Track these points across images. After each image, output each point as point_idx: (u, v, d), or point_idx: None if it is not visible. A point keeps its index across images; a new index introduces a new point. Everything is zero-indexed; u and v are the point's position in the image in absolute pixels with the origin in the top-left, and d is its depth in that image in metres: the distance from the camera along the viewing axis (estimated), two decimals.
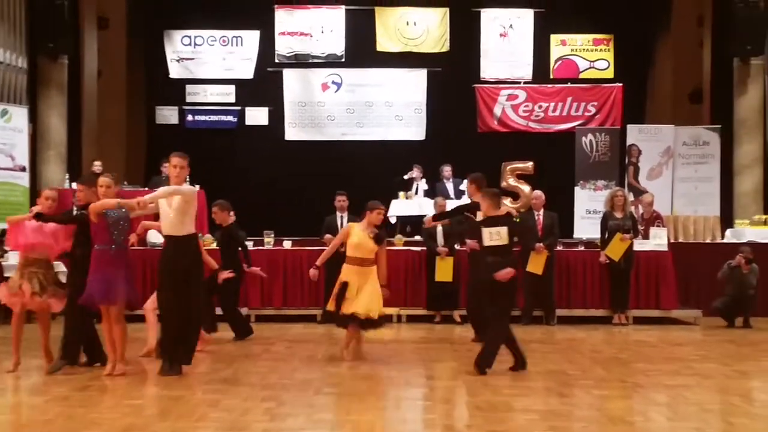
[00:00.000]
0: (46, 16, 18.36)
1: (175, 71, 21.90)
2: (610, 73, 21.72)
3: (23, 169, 17.15)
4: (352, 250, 10.29)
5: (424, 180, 18.01)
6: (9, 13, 18.08)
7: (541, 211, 14.47)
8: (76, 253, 9.39)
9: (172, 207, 9.10)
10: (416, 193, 17.83)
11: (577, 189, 18.41)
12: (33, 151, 18.11)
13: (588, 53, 21.74)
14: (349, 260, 10.31)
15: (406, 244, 15.56)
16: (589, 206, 18.19)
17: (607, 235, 14.28)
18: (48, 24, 18.33)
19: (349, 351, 10.40)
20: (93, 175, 10.02)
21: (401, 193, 17.77)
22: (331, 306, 10.31)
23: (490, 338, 9.55)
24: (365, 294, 10.16)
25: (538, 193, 14.80)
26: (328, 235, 14.33)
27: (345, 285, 10.20)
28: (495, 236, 9.39)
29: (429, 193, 17.48)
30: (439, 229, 14.37)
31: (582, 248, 15.39)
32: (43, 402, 7.91)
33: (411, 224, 17.18)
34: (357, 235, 10.29)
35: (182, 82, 21.94)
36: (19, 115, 17.32)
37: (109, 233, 8.97)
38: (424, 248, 14.61)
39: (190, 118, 21.84)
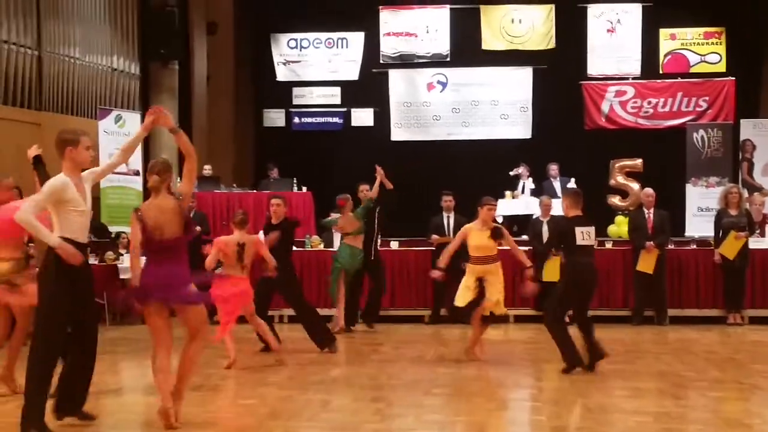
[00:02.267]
0: (158, 23, 18.87)
1: (281, 74, 22.18)
2: (722, 67, 21.19)
3: (137, 173, 17.59)
4: (473, 251, 10.26)
5: (530, 179, 17.86)
6: (122, 22, 18.61)
7: (652, 210, 14.22)
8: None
9: None
10: (522, 192, 17.69)
11: (688, 186, 18.01)
12: (146, 156, 18.58)
13: (699, 47, 21.26)
14: (473, 260, 10.28)
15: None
16: (701, 203, 17.77)
17: (721, 233, 13.94)
18: (159, 31, 18.83)
19: (477, 349, 10.37)
20: None
21: (508, 192, 17.66)
22: (462, 301, 10.22)
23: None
24: (494, 291, 10.12)
25: (649, 190, 14.54)
26: (434, 236, 14.36)
27: (473, 282, 10.16)
28: (586, 236, 9.34)
29: (535, 192, 17.32)
30: (545, 228, 14.26)
31: (694, 246, 15.08)
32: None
33: (518, 223, 17.05)
34: (475, 237, 10.24)
35: (289, 85, 22.21)
36: (133, 120, 17.77)
37: None
38: (531, 248, 14.49)
39: (296, 120, 22.09)
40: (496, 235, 10.23)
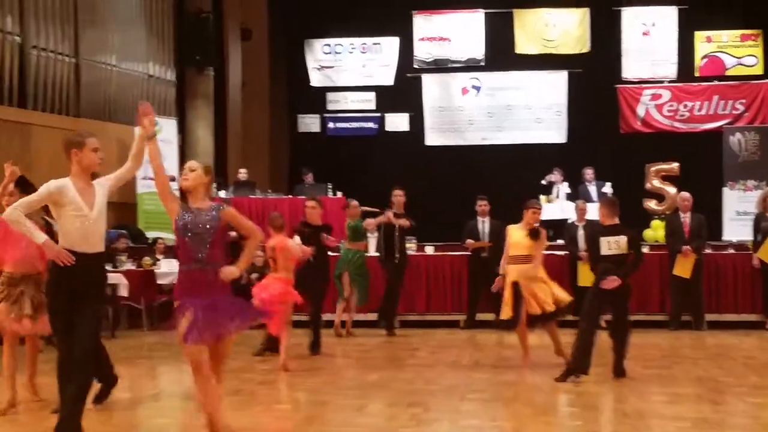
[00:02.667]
0: (193, 30, 19.02)
1: (316, 79, 22.26)
2: (759, 69, 20.99)
3: (173, 180, 17.62)
4: (512, 250, 10.26)
5: (565, 183, 17.77)
6: (158, 29, 18.76)
7: (688, 214, 14.12)
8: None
9: None
10: (558, 196, 17.61)
11: (725, 190, 17.87)
12: (182, 162, 18.71)
13: (735, 49, 21.08)
14: (512, 260, 10.27)
15: (548, 248, 15.37)
16: (738, 207, 17.62)
17: (759, 237, 13.81)
18: (194, 37, 18.98)
19: (556, 352, 10.27)
20: None
21: (543, 197, 17.56)
22: (507, 313, 10.15)
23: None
24: (539, 291, 10.07)
25: (685, 194, 14.45)
26: (469, 240, 14.35)
27: (515, 286, 10.14)
28: (614, 245, 9.25)
29: (571, 196, 17.24)
30: (581, 233, 14.21)
31: (732, 251, 14.95)
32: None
33: (553, 228, 16.98)
34: (514, 235, 10.30)
35: (323, 90, 22.28)
36: (169, 127, 17.90)
37: None
38: (567, 252, 14.44)
39: (331, 125, 22.15)
40: (533, 234, 10.22)
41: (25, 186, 7.90)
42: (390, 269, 13.66)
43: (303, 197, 16.61)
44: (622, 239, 9.33)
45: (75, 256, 6.24)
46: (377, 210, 14.21)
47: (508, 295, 10.13)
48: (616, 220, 9.52)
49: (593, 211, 15.82)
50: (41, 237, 6.35)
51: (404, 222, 13.60)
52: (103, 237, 6.63)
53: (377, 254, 14.08)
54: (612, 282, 9.16)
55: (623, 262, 9.37)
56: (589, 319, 9.35)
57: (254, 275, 12.94)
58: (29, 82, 15.31)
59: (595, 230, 9.78)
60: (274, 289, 9.98)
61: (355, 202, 14.24)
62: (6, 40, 14.76)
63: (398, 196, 13.78)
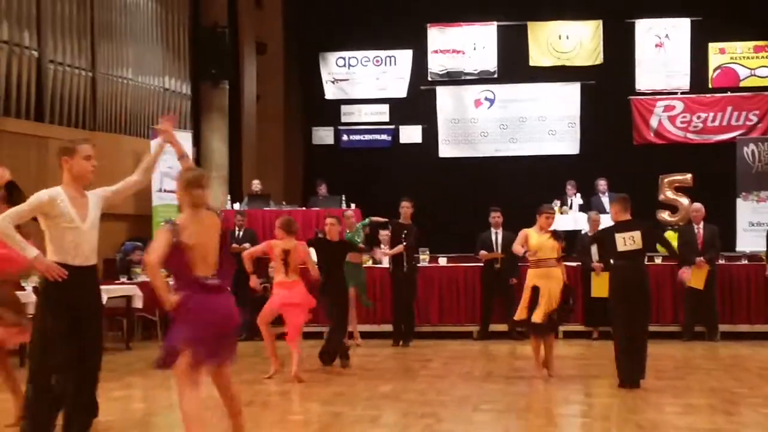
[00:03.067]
0: (208, 43, 19.14)
1: (330, 92, 22.35)
2: None
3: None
4: (533, 254, 10.23)
5: (578, 194, 17.79)
6: (173, 42, 18.90)
7: (701, 224, 14.13)
8: None
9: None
10: (571, 207, 17.63)
11: (739, 201, 17.86)
12: None
13: (749, 60, 21.08)
14: (533, 264, 10.27)
15: (561, 259, 15.39)
16: (752, 218, 17.61)
17: None
18: (210, 51, 19.10)
19: (544, 364, 10.26)
20: None
21: (556, 208, 17.62)
22: (522, 314, 10.18)
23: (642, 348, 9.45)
24: (554, 297, 10.08)
25: (698, 205, 14.46)
26: (483, 252, 14.40)
27: (535, 290, 10.15)
28: (629, 241, 9.31)
29: (584, 208, 17.26)
30: (594, 245, 14.23)
31: (745, 261, 14.93)
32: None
33: (566, 239, 16.99)
34: (534, 237, 10.25)
35: (337, 103, 22.36)
36: (184, 139, 17.88)
37: None
38: (580, 263, 14.46)
39: (345, 138, 22.23)
40: (557, 236, 10.22)
41: (12, 191, 7.48)
42: (399, 280, 13.71)
43: (317, 209, 16.74)
44: (637, 234, 9.38)
45: (68, 270, 5.94)
46: (385, 220, 14.31)
47: (527, 297, 10.15)
48: (629, 216, 9.55)
49: (606, 223, 15.87)
50: (32, 252, 5.98)
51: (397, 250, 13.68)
52: (96, 249, 6.26)
53: (387, 266, 14.16)
54: (685, 272, 9.90)
55: (638, 257, 9.42)
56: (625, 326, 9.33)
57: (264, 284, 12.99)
58: (46, 96, 15.44)
59: (607, 230, 9.78)
60: (295, 294, 10.08)
61: (350, 212, 14.36)
62: (23, 54, 14.90)
63: (405, 207, 13.83)
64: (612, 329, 9.69)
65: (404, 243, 13.55)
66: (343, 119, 22.32)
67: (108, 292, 13.08)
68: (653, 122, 20.98)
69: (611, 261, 9.79)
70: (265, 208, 17.26)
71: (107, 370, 10.89)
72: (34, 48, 15.18)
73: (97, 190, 6.37)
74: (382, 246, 14.32)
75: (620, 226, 9.49)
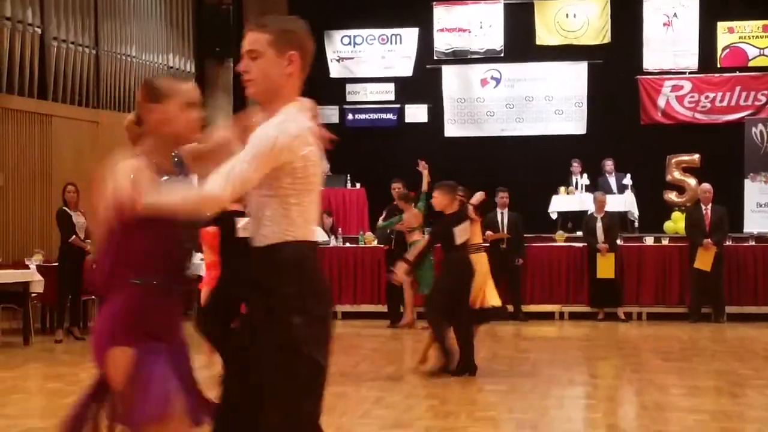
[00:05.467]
0: (213, 21, 19.03)
1: (335, 71, 22.23)
2: None
3: None
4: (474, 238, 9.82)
5: (585, 175, 17.71)
6: (178, 20, 18.80)
7: (709, 206, 14.06)
8: None
9: None
10: (576, 188, 17.56)
11: (746, 182, 17.74)
12: None
13: (758, 40, 20.89)
14: (476, 249, 9.83)
15: (567, 240, 15.37)
16: (760, 199, 17.50)
17: None
18: (214, 29, 19.01)
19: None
20: None
21: (562, 189, 17.55)
22: (498, 300, 9.82)
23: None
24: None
25: (707, 186, 14.38)
26: (489, 232, 14.33)
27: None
28: (464, 233, 9.12)
29: (590, 188, 17.19)
30: (600, 224, 14.17)
31: (753, 243, 14.86)
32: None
33: (572, 220, 16.95)
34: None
35: (342, 82, 22.24)
36: None
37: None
38: (586, 244, 14.40)
39: (350, 117, 22.12)
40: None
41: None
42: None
43: (321, 188, 16.65)
44: (467, 224, 9.21)
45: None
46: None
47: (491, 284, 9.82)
48: (456, 207, 9.28)
49: (613, 203, 15.83)
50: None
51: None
52: None
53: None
54: None
55: (467, 248, 9.20)
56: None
57: None
58: (50, 74, 15.37)
59: (444, 225, 9.30)
60: None
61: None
62: (27, 31, 14.82)
63: (396, 189, 13.80)
64: (457, 323, 9.21)
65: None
66: (348, 98, 22.20)
67: None
68: (661, 102, 20.83)
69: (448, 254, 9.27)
70: None
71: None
72: (37, 25, 15.10)
73: None
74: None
75: (453, 219, 9.18)
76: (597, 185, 17.05)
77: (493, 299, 9.63)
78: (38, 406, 8.14)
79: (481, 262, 9.59)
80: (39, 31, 15.13)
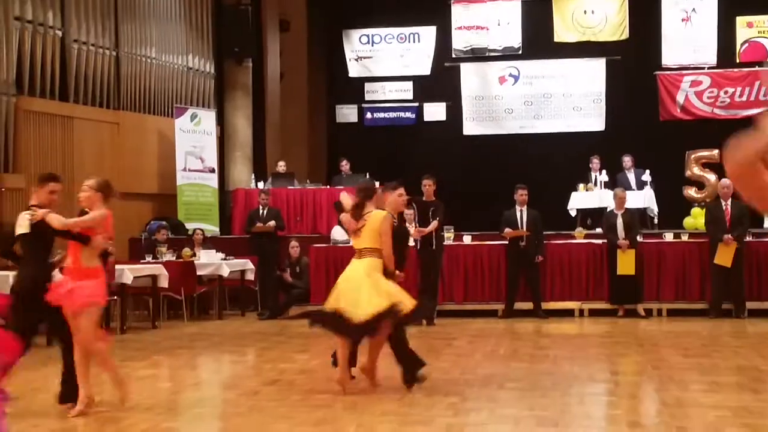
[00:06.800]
0: (232, 22, 19.13)
1: (354, 70, 22.28)
2: None
3: (212, 171, 17.87)
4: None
5: (604, 171, 17.68)
6: (197, 21, 18.90)
7: (729, 201, 14.00)
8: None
9: None
10: (596, 184, 17.53)
11: None
12: (221, 153, 18.85)
13: None
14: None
15: (586, 236, 15.35)
16: None
17: None
18: (233, 29, 19.10)
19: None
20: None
21: (581, 185, 17.52)
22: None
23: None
24: None
25: (727, 181, 14.31)
26: (507, 229, 14.33)
27: None
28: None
29: (609, 185, 17.17)
30: (620, 221, 14.14)
31: None
32: (236, 396, 8.25)
33: (591, 216, 16.93)
34: None
35: (361, 81, 22.29)
36: (208, 118, 18.06)
37: None
38: (605, 241, 14.39)
39: (369, 116, 22.16)
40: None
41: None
42: (426, 257, 13.62)
43: (341, 187, 16.71)
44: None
45: None
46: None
47: None
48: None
49: (632, 199, 15.80)
50: None
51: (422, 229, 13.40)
52: None
53: (412, 244, 14.06)
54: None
55: None
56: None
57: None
58: (70, 76, 15.50)
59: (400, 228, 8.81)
60: None
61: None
62: (48, 34, 14.95)
63: (428, 185, 13.67)
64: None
65: (437, 219, 13.42)
66: (367, 97, 22.25)
67: (134, 271, 13.16)
68: (680, 98, 20.77)
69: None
70: (289, 187, 17.28)
71: (134, 349, 11.01)
72: (58, 27, 15.23)
73: None
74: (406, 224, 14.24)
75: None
76: (616, 181, 17.02)
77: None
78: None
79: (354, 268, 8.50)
80: (60, 33, 15.27)
